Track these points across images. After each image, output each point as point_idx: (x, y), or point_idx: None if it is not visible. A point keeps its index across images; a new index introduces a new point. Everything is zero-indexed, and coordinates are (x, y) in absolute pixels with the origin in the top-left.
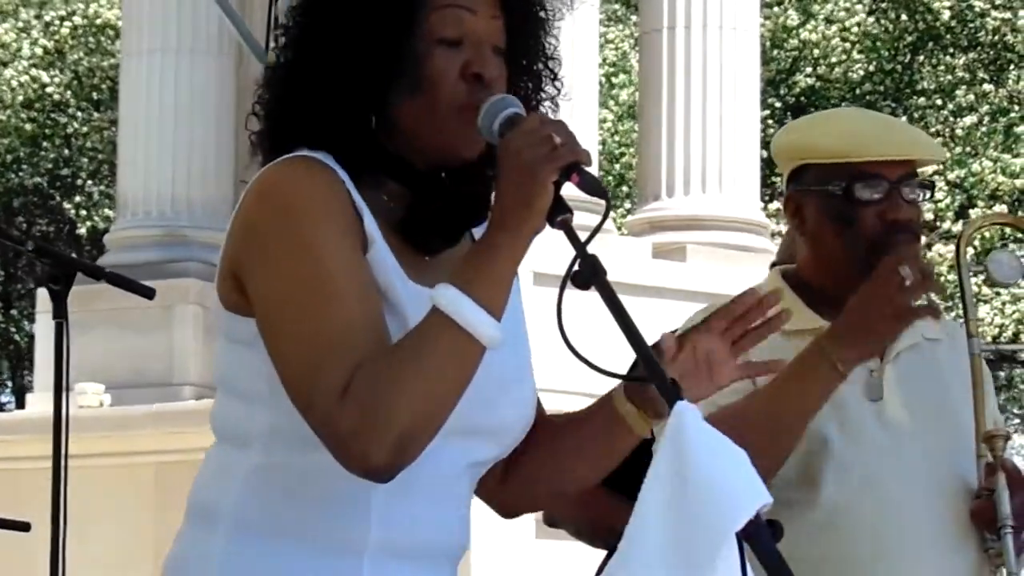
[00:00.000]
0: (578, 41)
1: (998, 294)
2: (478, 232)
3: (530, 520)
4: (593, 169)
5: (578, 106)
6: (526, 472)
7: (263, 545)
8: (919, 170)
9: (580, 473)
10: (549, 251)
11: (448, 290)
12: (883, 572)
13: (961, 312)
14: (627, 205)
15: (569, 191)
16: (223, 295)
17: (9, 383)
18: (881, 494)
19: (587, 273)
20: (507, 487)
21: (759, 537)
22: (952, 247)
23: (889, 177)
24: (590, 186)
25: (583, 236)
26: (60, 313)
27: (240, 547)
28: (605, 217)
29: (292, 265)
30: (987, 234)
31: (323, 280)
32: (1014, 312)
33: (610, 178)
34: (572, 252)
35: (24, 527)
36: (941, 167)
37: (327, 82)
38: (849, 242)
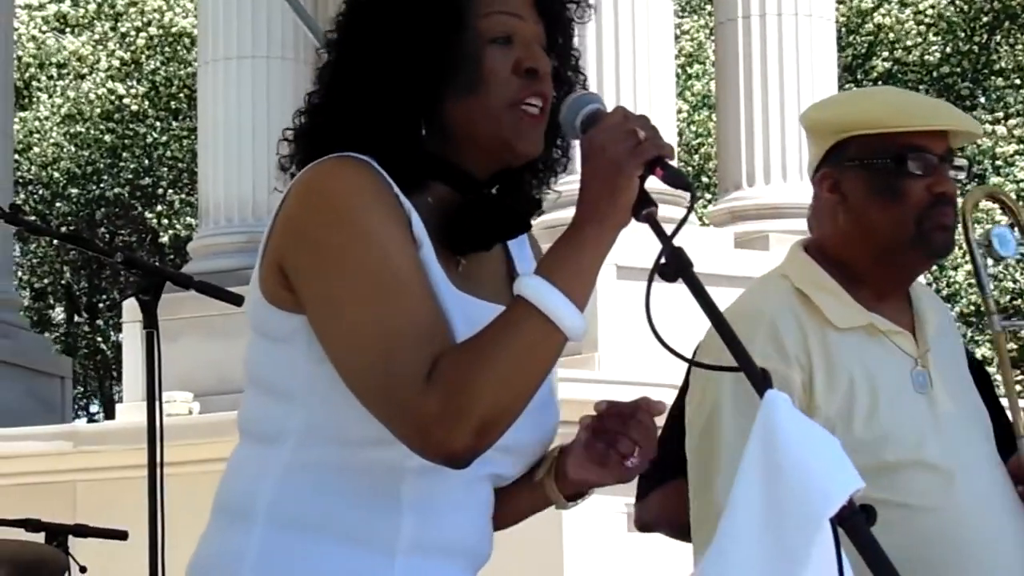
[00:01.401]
0: (653, 33)
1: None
2: (512, 246)
3: (621, 514)
4: (673, 162)
5: (656, 98)
6: None
7: (298, 542)
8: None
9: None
10: (631, 244)
11: (534, 280)
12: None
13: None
14: (707, 196)
15: (652, 183)
16: (266, 291)
17: (97, 393)
18: (948, 481)
19: (674, 266)
20: None
21: (853, 522)
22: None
23: (936, 151)
24: (674, 179)
25: (667, 229)
26: (151, 323)
27: (276, 544)
28: (690, 210)
29: (355, 256)
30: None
31: (390, 270)
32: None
33: (689, 169)
34: (655, 245)
35: (122, 536)
36: (1020, 145)
37: (377, 86)
38: (896, 215)
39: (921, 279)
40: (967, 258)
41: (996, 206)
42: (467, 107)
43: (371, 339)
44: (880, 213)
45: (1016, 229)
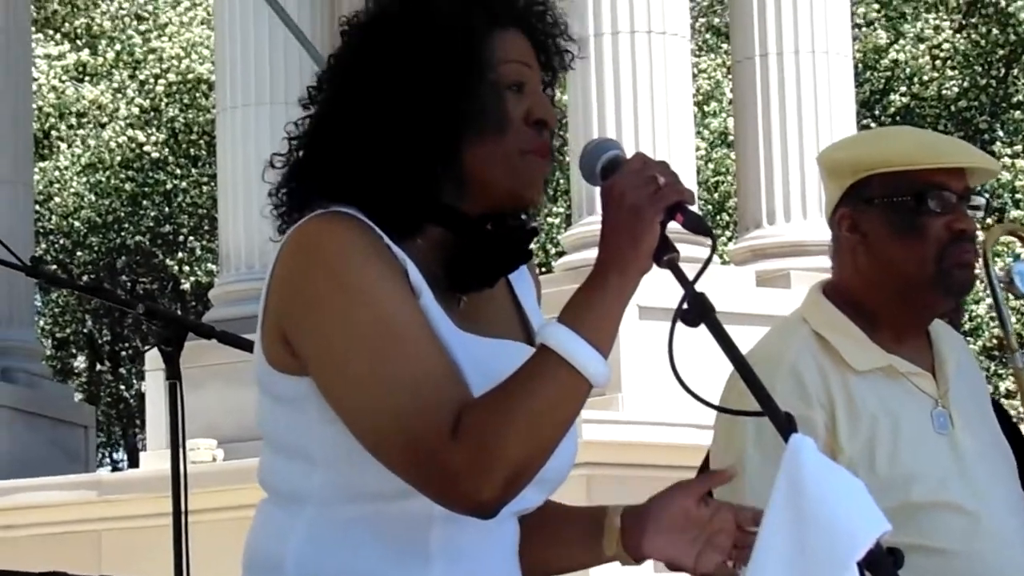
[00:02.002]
0: (671, 73)
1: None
2: (514, 279)
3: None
4: (694, 207)
5: (674, 136)
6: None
7: None
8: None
9: (546, 562)
10: (653, 285)
11: (558, 329)
12: None
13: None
14: (727, 234)
15: (671, 225)
16: (269, 355)
17: (121, 442)
18: (974, 523)
19: (696, 311)
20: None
21: (881, 566)
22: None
23: (956, 189)
24: (695, 225)
25: (689, 270)
26: (174, 374)
27: None
28: (711, 255)
29: (356, 315)
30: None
31: (393, 325)
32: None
33: (708, 207)
34: (677, 286)
35: None
36: None
37: (396, 134)
38: (917, 253)
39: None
40: (988, 292)
41: (1016, 241)
42: (483, 154)
43: (384, 397)
44: (900, 251)
45: None
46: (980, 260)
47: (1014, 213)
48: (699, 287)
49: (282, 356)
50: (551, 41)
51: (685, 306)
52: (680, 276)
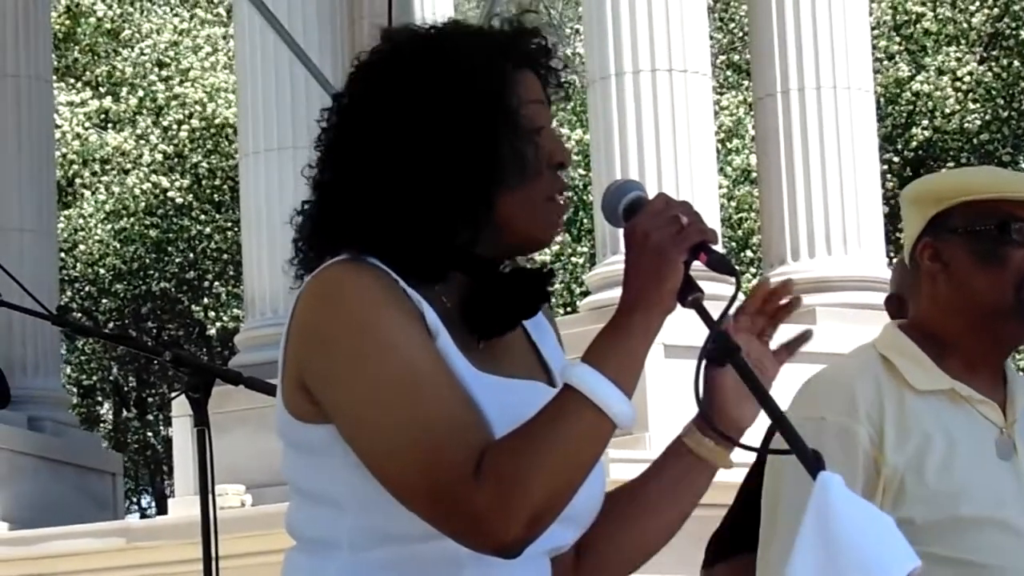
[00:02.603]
0: (693, 110)
1: None
2: (528, 323)
3: None
4: (717, 246)
5: (697, 174)
6: (597, 552)
7: None
8: None
9: (663, 523)
10: (679, 324)
11: (582, 369)
12: None
13: None
14: (752, 270)
15: (696, 264)
16: (290, 405)
17: (149, 488)
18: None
19: (722, 351)
20: (581, 572)
21: None
22: None
23: None
24: (719, 264)
25: (715, 308)
26: (201, 420)
27: None
28: (735, 295)
29: (375, 362)
30: None
31: (413, 370)
32: None
33: (732, 244)
34: (702, 325)
35: None
36: None
37: (427, 183)
38: (998, 282)
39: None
40: None
41: None
42: (515, 200)
43: (407, 441)
44: (982, 280)
45: None
46: None
47: None
48: (727, 331)
49: (303, 405)
50: (555, 78)
51: (710, 345)
52: (705, 316)
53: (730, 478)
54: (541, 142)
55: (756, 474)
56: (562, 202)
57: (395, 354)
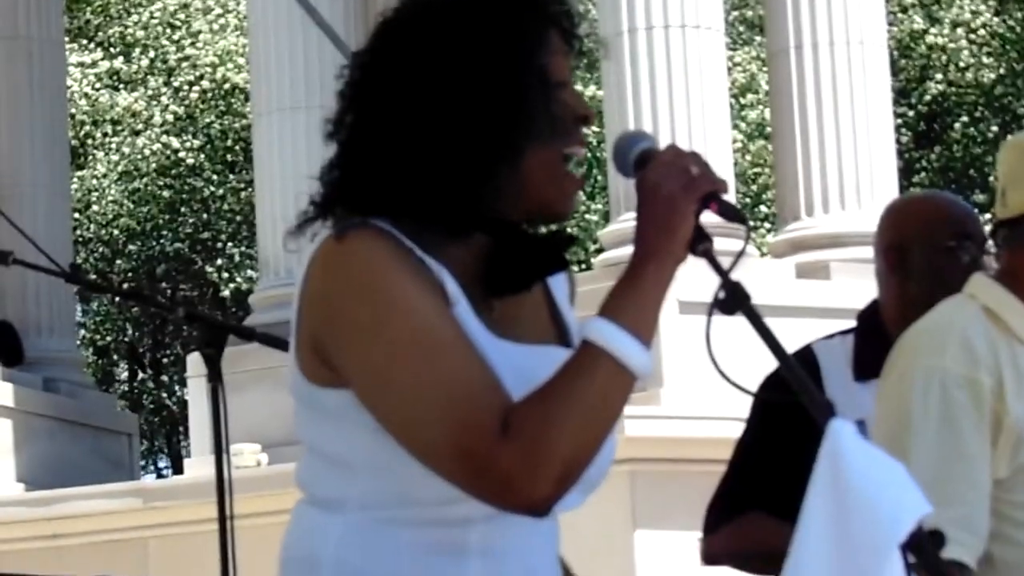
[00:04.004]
0: (706, 66)
1: None
2: (553, 284)
3: (694, 550)
4: (730, 193)
5: (710, 130)
6: None
7: None
8: None
9: None
10: (692, 279)
11: (599, 322)
12: None
13: None
14: (766, 225)
15: (708, 217)
16: (305, 370)
17: (165, 449)
18: None
19: (732, 299)
20: None
21: (923, 548)
22: None
23: None
24: (729, 213)
25: (725, 262)
26: (215, 377)
27: None
28: (746, 243)
29: (393, 326)
30: None
31: (430, 334)
32: None
33: (747, 200)
34: (715, 278)
35: None
36: None
37: (452, 141)
38: None
39: None
40: None
41: None
42: (541, 156)
43: (430, 407)
44: None
45: None
46: None
47: None
48: (738, 277)
49: (318, 370)
50: (579, 39)
51: (721, 295)
52: (716, 265)
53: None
54: (565, 96)
55: (753, 428)
56: (580, 155)
57: (412, 320)
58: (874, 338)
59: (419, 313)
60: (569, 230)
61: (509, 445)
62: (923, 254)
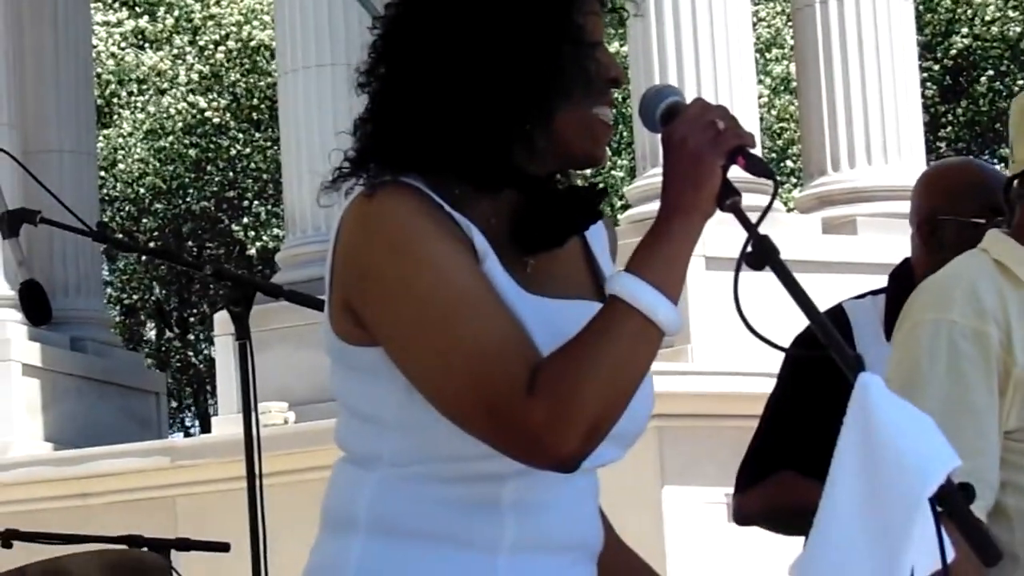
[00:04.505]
0: (731, 20)
1: None
2: (590, 235)
3: (721, 504)
4: (756, 148)
5: (736, 85)
6: None
7: (398, 549)
8: None
9: None
10: (719, 235)
11: (625, 277)
12: None
13: None
14: (792, 180)
15: (735, 173)
16: (337, 327)
17: (192, 407)
18: None
19: (760, 253)
20: None
21: (952, 501)
22: None
23: None
24: (757, 168)
25: (753, 217)
26: (243, 334)
27: (377, 552)
28: (774, 197)
29: (421, 285)
30: None
31: (459, 291)
32: None
33: (772, 155)
34: (742, 234)
35: (224, 548)
36: None
37: (484, 97)
38: None
39: None
40: None
41: None
42: (571, 114)
43: (458, 361)
44: None
45: None
46: None
47: None
48: (764, 231)
49: (349, 328)
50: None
51: (749, 249)
52: (743, 219)
53: (771, 390)
54: (599, 56)
55: (784, 386)
56: (609, 119)
57: (441, 275)
58: (906, 298)
59: (447, 270)
60: (607, 189)
61: (536, 402)
62: (953, 228)
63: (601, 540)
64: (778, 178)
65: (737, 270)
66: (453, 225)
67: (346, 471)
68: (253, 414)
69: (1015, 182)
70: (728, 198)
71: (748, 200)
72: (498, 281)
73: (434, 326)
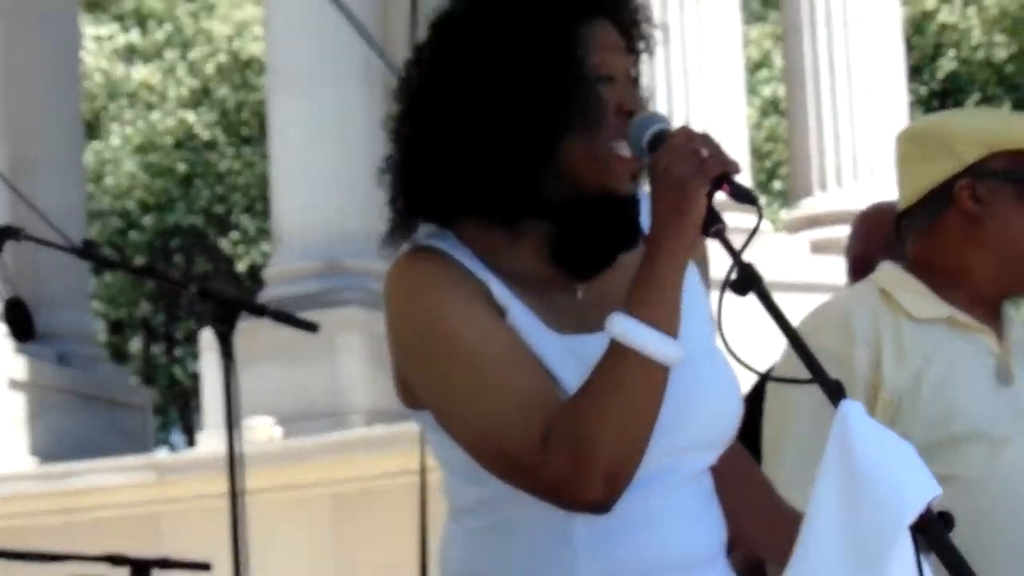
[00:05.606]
0: (721, 41)
1: None
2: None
3: None
4: (744, 167)
5: (725, 106)
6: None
7: None
8: None
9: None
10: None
11: (620, 319)
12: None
13: None
14: (780, 201)
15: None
16: (400, 396)
17: (179, 422)
18: (1004, 450)
19: (744, 280)
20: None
21: (932, 530)
22: None
23: None
24: (740, 195)
25: (739, 240)
26: (227, 353)
27: None
28: (757, 225)
29: (444, 357)
30: None
31: (478, 357)
32: None
33: (761, 176)
34: (728, 259)
35: (205, 567)
36: None
37: (494, 132)
38: None
39: None
40: None
41: None
42: (579, 149)
43: (481, 426)
44: (1022, 221)
45: None
46: None
47: None
48: (751, 257)
49: (405, 393)
50: (636, 27)
51: (733, 276)
52: (728, 246)
53: None
54: (608, 90)
55: (751, 400)
56: (627, 153)
57: (461, 344)
58: None
59: (467, 338)
60: (637, 198)
61: (550, 454)
62: None
63: (718, 543)
64: (766, 199)
65: (721, 296)
66: (474, 284)
67: (445, 526)
68: (236, 435)
69: (905, 216)
70: (713, 225)
71: (735, 220)
72: (525, 330)
73: (459, 395)
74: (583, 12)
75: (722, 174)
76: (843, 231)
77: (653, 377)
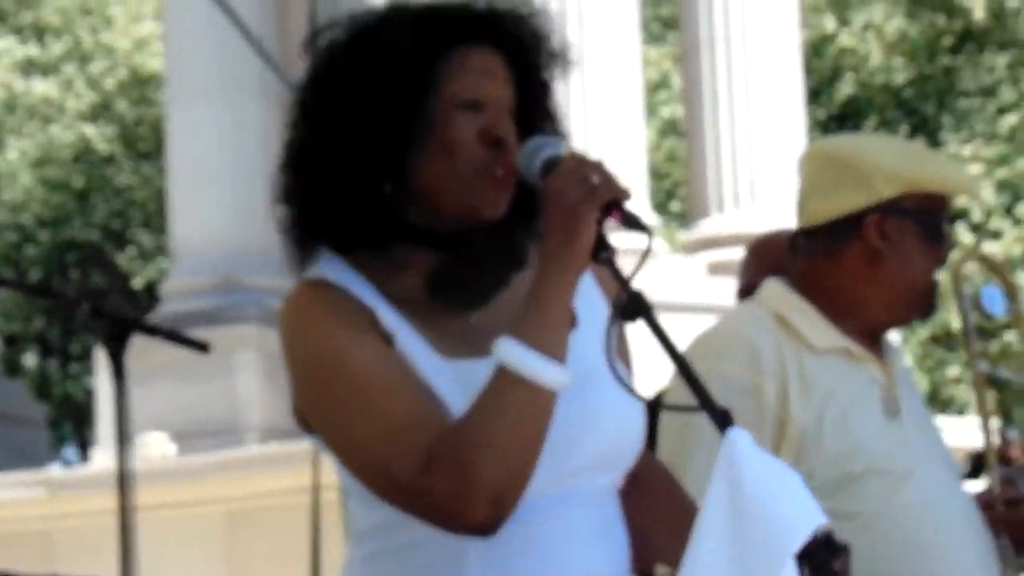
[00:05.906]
0: (620, 62)
1: None
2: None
3: None
4: (642, 188)
5: (624, 127)
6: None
7: None
8: None
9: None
10: None
11: (507, 344)
12: None
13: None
14: (678, 221)
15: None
16: (299, 424)
17: (73, 438)
18: (905, 484)
19: (633, 308)
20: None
21: (817, 559)
22: (997, 244)
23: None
24: (631, 222)
25: (633, 261)
26: (117, 372)
27: None
28: (647, 251)
29: (331, 387)
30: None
31: (363, 387)
32: None
33: (660, 196)
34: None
35: None
36: (987, 167)
37: (341, 152)
38: (930, 267)
39: None
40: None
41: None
42: (431, 172)
43: (366, 454)
44: (923, 263)
45: (1006, 289)
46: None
47: (961, 202)
48: (646, 279)
49: (302, 422)
50: (530, 55)
51: (623, 302)
52: (616, 274)
53: None
54: (469, 115)
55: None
56: (498, 180)
57: (346, 371)
58: None
59: (352, 368)
60: (523, 227)
61: (432, 479)
62: None
63: (621, 566)
64: (665, 219)
65: (610, 324)
66: (361, 312)
67: (345, 553)
68: (126, 454)
69: (805, 235)
70: (603, 251)
71: (632, 240)
72: (412, 355)
73: (344, 424)
74: (457, 37)
75: (612, 200)
76: (740, 253)
77: (539, 402)
